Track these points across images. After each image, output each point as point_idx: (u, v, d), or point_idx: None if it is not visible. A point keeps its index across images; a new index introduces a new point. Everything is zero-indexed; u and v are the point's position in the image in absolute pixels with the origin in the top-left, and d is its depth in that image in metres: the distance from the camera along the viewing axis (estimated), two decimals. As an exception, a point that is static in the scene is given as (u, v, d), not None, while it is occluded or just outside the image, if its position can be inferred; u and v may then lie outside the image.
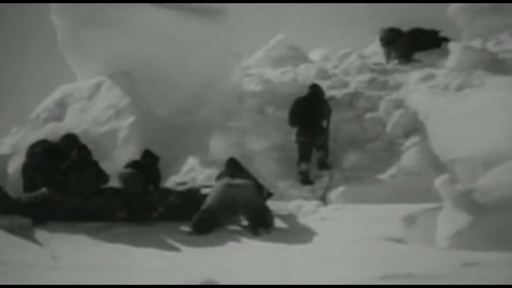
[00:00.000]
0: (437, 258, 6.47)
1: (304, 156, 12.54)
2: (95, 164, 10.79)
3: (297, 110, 12.88)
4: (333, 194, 11.60)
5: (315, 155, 12.67)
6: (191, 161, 13.28)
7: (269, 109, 14.30)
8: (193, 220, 9.66)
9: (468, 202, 7.17)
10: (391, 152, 12.65)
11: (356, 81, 15.31)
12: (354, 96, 14.56)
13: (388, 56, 17.72)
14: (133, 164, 11.04)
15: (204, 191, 10.94)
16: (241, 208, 9.94)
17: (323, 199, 11.54)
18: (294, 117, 12.84)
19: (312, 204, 11.20)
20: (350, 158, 12.62)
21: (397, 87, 14.78)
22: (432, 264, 6.16)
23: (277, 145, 13.07)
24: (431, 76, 14.69)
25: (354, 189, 11.63)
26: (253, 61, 20.12)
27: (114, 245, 8.77)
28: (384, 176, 11.90)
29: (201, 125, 13.26)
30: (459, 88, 13.31)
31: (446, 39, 17.58)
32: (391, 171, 12.00)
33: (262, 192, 10.46)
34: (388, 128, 13.24)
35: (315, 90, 13.25)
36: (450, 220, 7.27)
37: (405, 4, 23.60)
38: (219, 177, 10.61)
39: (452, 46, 15.55)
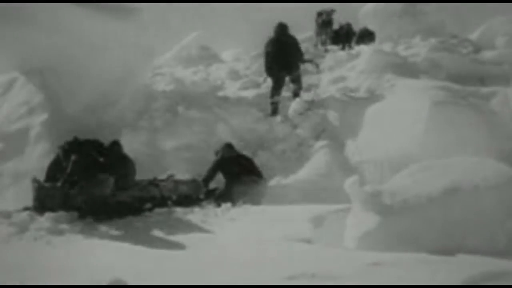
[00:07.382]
0: (344, 258, 6.47)
1: (277, 89, 14.26)
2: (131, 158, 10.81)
3: (271, 50, 14.17)
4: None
5: (289, 87, 14.52)
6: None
7: (180, 109, 14.21)
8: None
9: (376, 203, 7.20)
10: (301, 153, 12.71)
11: (268, 82, 15.34)
12: (266, 97, 14.58)
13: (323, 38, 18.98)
14: None
15: None
16: None
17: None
18: (268, 57, 14.25)
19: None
20: (259, 159, 12.54)
21: (308, 88, 14.90)
22: (338, 264, 6.16)
23: (187, 145, 12.94)
24: (341, 78, 14.85)
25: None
26: (165, 60, 20.06)
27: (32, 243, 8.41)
28: (293, 177, 11.90)
29: (112, 124, 13.06)
30: (369, 91, 13.49)
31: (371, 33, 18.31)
32: (300, 172, 12.03)
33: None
34: (298, 129, 13.30)
35: (281, 28, 14.30)
36: (358, 221, 7.30)
37: (316, 5, 23.86)
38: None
39: (363, 49, 15.79)
